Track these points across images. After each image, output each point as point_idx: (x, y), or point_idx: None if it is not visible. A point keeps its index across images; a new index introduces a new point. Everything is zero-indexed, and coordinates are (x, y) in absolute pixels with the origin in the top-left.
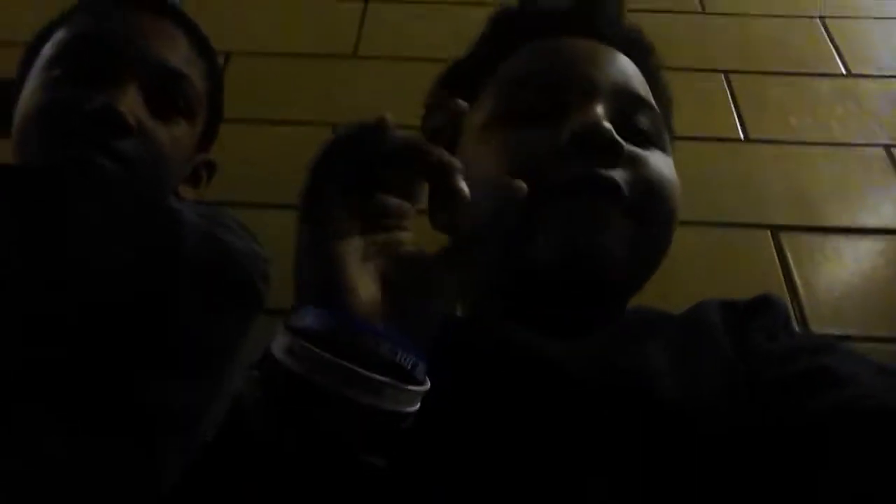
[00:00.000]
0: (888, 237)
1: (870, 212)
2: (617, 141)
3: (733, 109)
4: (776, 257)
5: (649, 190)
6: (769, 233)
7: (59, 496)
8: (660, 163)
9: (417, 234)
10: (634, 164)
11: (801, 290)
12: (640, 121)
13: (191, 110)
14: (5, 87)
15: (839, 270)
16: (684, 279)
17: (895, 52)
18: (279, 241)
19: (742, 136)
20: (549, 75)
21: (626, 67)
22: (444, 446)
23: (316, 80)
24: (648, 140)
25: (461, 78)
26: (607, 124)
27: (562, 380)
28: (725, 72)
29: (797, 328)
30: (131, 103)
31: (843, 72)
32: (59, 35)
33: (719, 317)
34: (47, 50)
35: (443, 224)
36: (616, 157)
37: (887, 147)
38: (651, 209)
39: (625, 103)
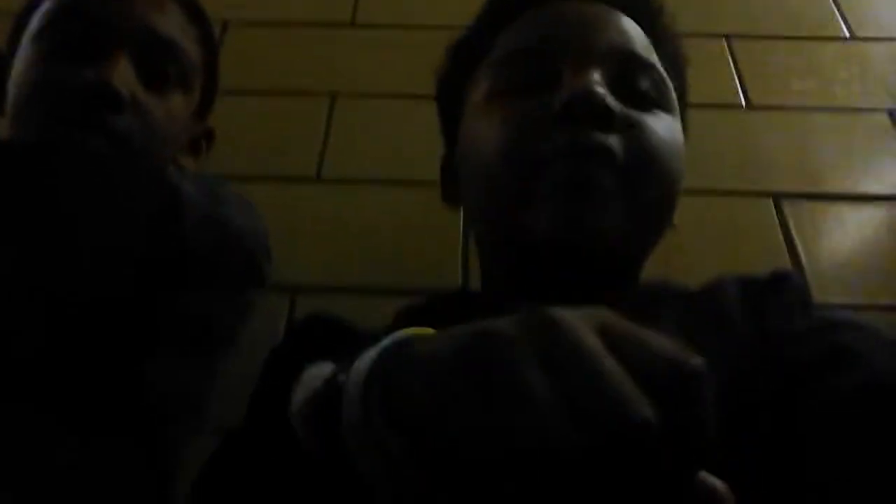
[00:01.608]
0: (891, 204)
1: (873, 178)
2: (608, 106)
3: (735, 75)
4: (778, 225)
5: (646, 154)
6: (771, 201)
7: (62, 490)
8: (659, 126)
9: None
10: (631, 128)
11: (803, 259)
12: (641, 82)
13: (185, 80)
14: None
15: (842, 238)
16: (686, 249)
17: None
18: (280, 213)
19: (743, 102)
20: (544, 43)
21: (627, 28)
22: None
23: (314, 49)
24: (650, 102)
25: (462, 57)
26: (600, 89)
27: None
28: (727, 35)
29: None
30: (124, 76)
31: (847, 35)
32: (45, 6)
33: (737, 294)
34: (35, 22)
35: None
36: (608, 122)
37: (891, 112)
38: (648, 174)
39: (624, 65)
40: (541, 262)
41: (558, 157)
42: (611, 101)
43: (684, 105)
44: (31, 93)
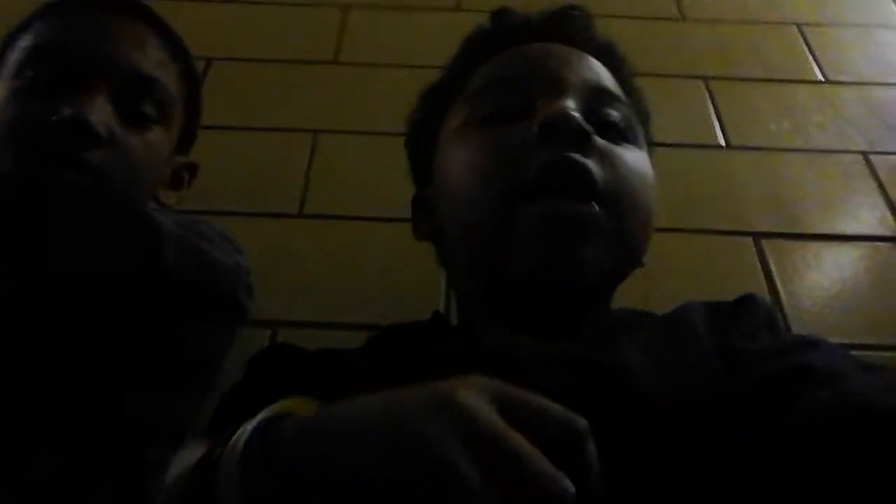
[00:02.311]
0: (867, 244)
1: (849, 218)
2: (584, 128)
3: (714, 116)
4: (759, 264)
5: (621, 180)
6: (751, 240)
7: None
8: (630, 157)
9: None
10: (605, 156)
11: (783, 297)
12: (611, 114)
13: (164, 115)
14: None
15: (820, 277)
16: (667, 286)
17: (871, 60)
18: (260, 249)
19: (723, 142)
20: (519, 74)
21: (595, 67)
22: None
23: (297, 87)
24: (620, 134)
25: (437, 96)
26: (575, 113)
27: (528, 380)
28: (705, 78)
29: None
30: (100, 112)
31: (821, 79)
32: (23, 41)
33: (703, 317)
34: (12, 57)
35: None
36: (585, 143)
37: (865, 154)
38: (626, 201)
39: (594, 98)
40: (517, 296)
41: (538, 177)
42: (585, 124)
43: (651, 150)
44: (7, 127)
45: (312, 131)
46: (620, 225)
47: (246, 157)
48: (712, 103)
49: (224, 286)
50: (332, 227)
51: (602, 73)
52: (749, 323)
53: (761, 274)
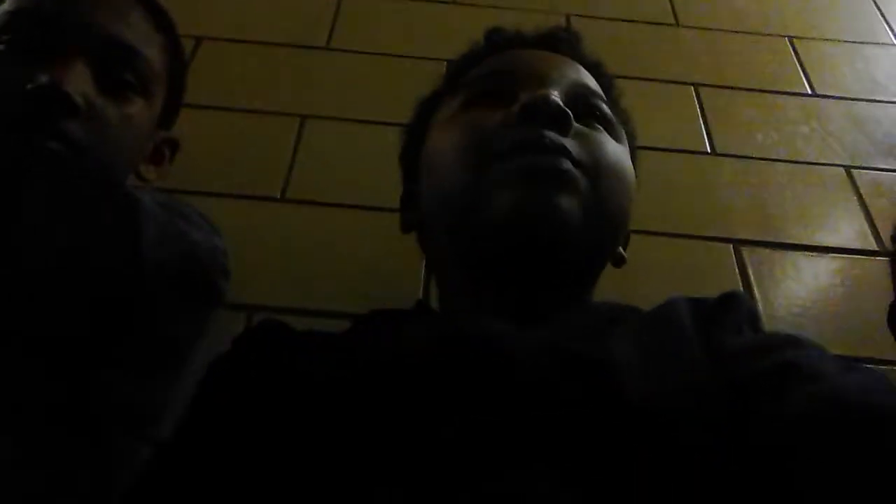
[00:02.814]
0: (845, 256)
1: (829, 231)
2: (565, 110)
3: (701, 122)
4: (737, 271)
5: (599, 163)
6: (731, 247)
7: (8, 498)
8: (611, 146)
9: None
10: (583, 138)
11: (759, 305)
12: (593, 105)
13: (145, 87)
14: None
15: (798, 287)
16: (646, 289)
17: (859, 75)
18: (242, 231)
19: (709, 149)
20: (505, 69)
21: (581, 70)
22: (390, 436)
23: (287, 71)
24: (600, 123)
25: (429, 100)
26: (556, 97)
27: (510, 367)
28: (695, 84)
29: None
30: (78, 81)
31: (809, 91)
32: (3, 7)
33: (688, 313)
34: None
35: None
36: (564, 123)
37: (847, 168)
38: (601, 181)
39: (577, 92)
40: (494, 256)
41: (514, 150)
42: (564, 107)
43: (636, 154)
44: None
45: (300, 116)
46: (597, 192)
47: (231, 138)
48: (701, 110)
49: (201, 267)
50: (314, 213)
51: (586, 76)
52: (733, 319)
53: (739, 280)
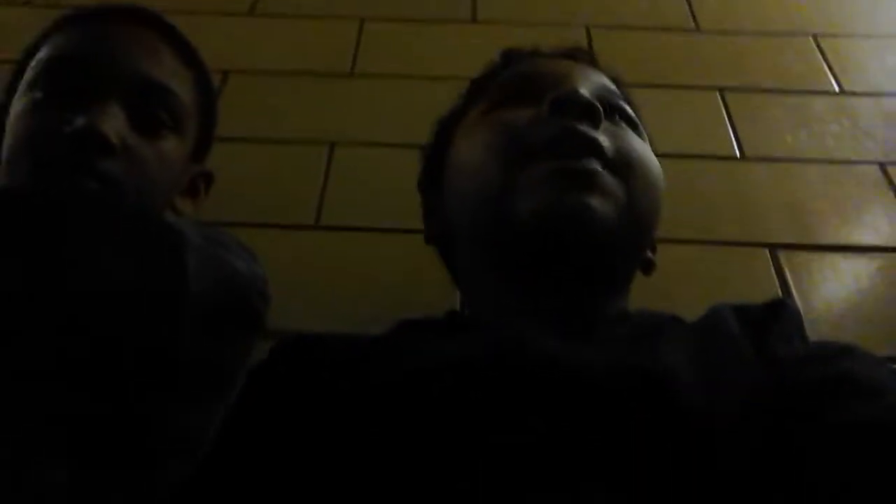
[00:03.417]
0: (885, 254)
1: (866, 229)
2: (594, 103)
3: (729, 127)
4: (775, 276)
5: (630, 159)
6: (767, 251)
7: None
8: (638, 142)
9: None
10: (613, 134)
11: (800, 309)
12: (617, 106)
13: (178, 123)
14: None
15: (838, 289)
16: (683, 298)
17: (887, 70)
18: (279, 259)
19: (738, 153)
20: (531, 72)
21: (602, 75)
22: (456, 452)
23: (313, 99)
24: (627, 122)
25: (451, 116)
26: (585, 91)
27: (577, 382)
28: (720, 89)
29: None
30: (113, 122)
31: (837, 89)
32: (40, 55)
33: (734, 321)
34: (29, 72)
35: None
36: (594, 117)
37: (881, 164)
38: (634, 173)
39: (602, 95)
40: (527, 260)
41: (548, 147)
42: (594, 100)
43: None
44: (22, 140)
45: (329, 143)
46: (629, 193)
47: (263, 168)
48: (727, 114)
49: (242, 294)
50: (348, 238)
51: (608, 81)
52: (783, 328)
53: (778, 285)
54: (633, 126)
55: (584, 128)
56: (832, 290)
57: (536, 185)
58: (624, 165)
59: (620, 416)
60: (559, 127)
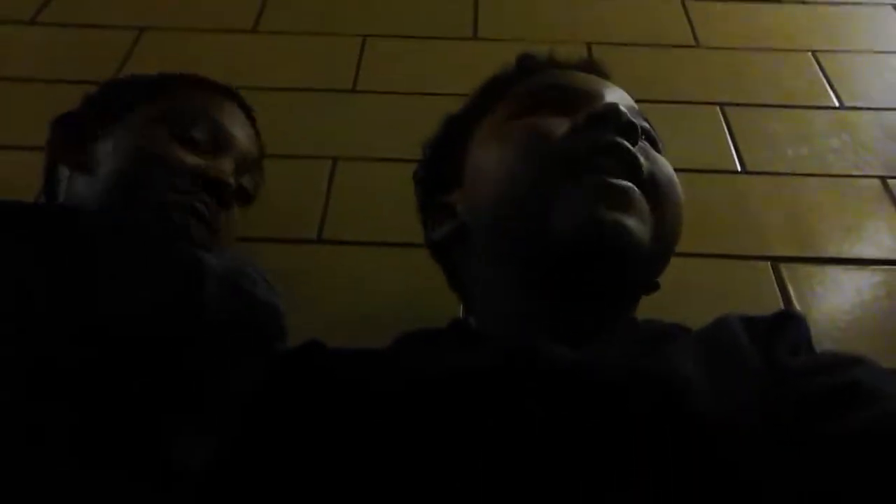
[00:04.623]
0: (886, 268)
1: (867, 243)
2: (633, 121)
3: (730, 141)
4: (777, 289)
5: (660, 182)
6: (769, 264)
7: None
8: (666, 164)
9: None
10: (646, 156)
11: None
12: (643, 125)
13: (250, 198)
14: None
15: (841, 302)
16: (686, 311)
17: (886, 85)
18: (282, 274)
19: (739, 167)
20: (569, 84)
21: (625, 93)
22: (470, 458)
23: (316, 114)
24: (653, 145)
25: (466, 115)
26: (624, 108)
27: (586, 387)
28: (721, 104)
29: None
30: (231, 179)
31: (837, 104)
32: (171, 102)
33: (743, 331)
34: (158, 111)
35: None
36: (633, 135)
37: (882, 178)
38: (663, 200)
39: (633, 112)
40: (554, 269)
41: (589, 157)
42: (634, 118)
43: None
44: (156, 166)
45: (331, 158)
46: (660, 216)
47: (266, 183)
48: (728, 129)
49: (258, 325)
50: (350, 252)
51: (630, 98)
52: (790, 339)
53: (780, 298)
54: (655, 146)
55: (626, 143)
56: (834, 303)
57: (579, 200)
58: (654, 187)
59: (628, 419)
60: (603, 140)
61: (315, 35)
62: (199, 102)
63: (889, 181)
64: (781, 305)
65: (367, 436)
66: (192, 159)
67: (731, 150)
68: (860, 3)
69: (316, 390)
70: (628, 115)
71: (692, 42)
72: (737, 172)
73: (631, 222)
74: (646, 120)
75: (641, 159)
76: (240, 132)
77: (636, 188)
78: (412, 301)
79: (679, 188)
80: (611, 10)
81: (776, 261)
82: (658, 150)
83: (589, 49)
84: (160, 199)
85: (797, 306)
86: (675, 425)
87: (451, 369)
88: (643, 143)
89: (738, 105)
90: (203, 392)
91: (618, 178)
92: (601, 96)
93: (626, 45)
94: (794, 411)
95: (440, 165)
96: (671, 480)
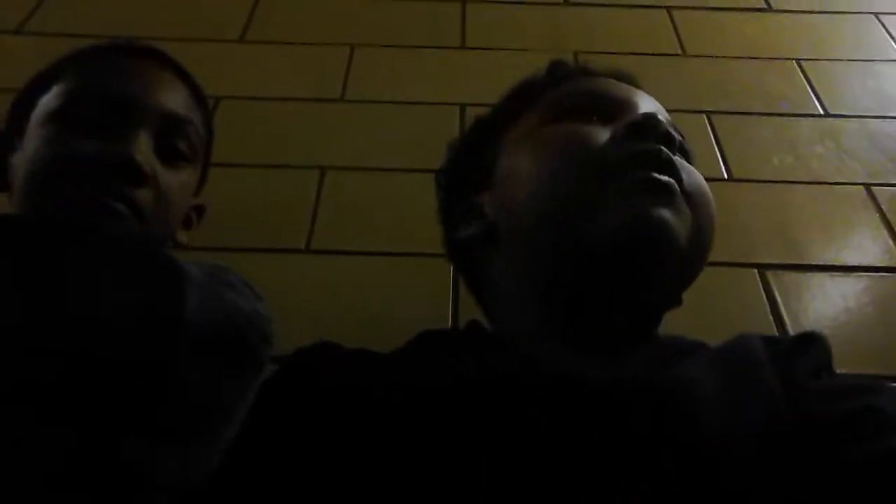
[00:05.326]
0: (871, 274)
1: (853, 250)
2: (671, 132)
3: (716, 149)
4: (764, 296)
5: (697, 193)
6: (756, 272)
7: None
8: (701, 177)
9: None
10: (683, 167)
11: (789, 328)
12: (678, 137)
13: (194, 155)
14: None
15: (827, 308)
16: (672, 318)
17: (870, 93)
18: (270, 284)
19: (725, 175)
20: (605, 93)
21: (658, 103)
22: (473, 466)
23: (304, 124)
24: (686, 156)
25: (498, 117)
26: (662, 118)
27: (600, 400)
28: (707, 112)
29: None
30: (145, 152)
31: (821, 112)
32: (61, 87)
33: (763, 351)
34: (50, 103)
35: None
36: (672, 145)
37: (867, 185)
38: (700, 211)
39: (667, 123)
40: (598, 269)
41: (632, 161)
42: (672, 129)
43: None
44: (51, 167)
45: (319, 168)
46: (696, 223)
47: (254, 193)
48: (714, 137)
49: (242, 333)
50: (339, 262)
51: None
52: (813, 360)
53: (767, 305)
54: (687, 157)
55: (666, 150)
56: (821, 310)
57: (624, 196)
58: (691, 197)
59: (631, 430)
60: (644, 147)
61: (303, 45)
62: (91, 77)
63: (874, 188)
64: (768, 312)
65: (370, 442)
66: (88, 145)
67: (717, 158)
68: (844, 13)
69: (319, 395)
70: (666, 125)
71: (678, 51)
72: (723, 180)
73: (672, 218)
74: (678, 131)
75: (679, 168)
76: (155, 93)
77: (678, 186)
78: (401, 311)
79: (713, 201)
80: (598, 19)
81: (763, 268)
82: (690, 162)
83: (576, 57)
84: (64, 198)
85: (784, 313)
86: (679, 438)
87: (458, 375)
88: (680, 159)
89: (724, 113)
90: (178, 407)
91: (663, 181)
92: (636, 105)
93: (612, 53)
94: (810, 434)
95: (468, 167)
96: (672, 494)
